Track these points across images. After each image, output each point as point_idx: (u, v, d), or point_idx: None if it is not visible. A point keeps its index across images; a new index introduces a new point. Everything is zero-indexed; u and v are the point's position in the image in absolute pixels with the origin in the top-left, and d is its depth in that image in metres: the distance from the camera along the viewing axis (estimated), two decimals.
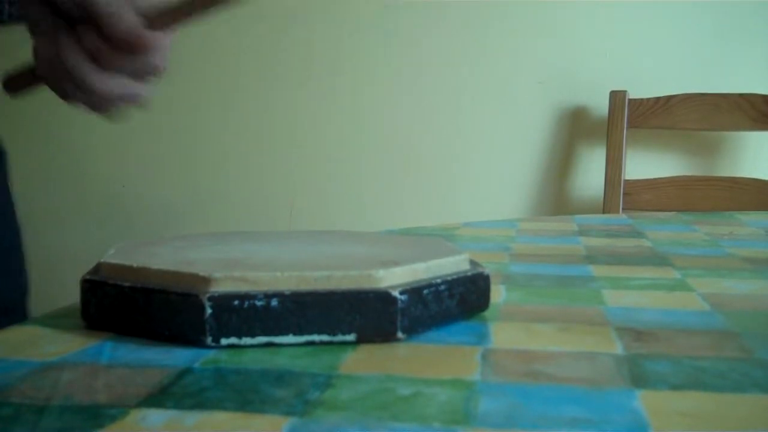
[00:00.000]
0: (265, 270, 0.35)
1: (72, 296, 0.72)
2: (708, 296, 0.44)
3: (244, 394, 0.29)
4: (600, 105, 1.55)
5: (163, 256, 0.40)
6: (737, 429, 0.25)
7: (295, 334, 0.34)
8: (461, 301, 0.38)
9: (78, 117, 1.55)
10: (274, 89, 1.70)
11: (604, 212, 1.48)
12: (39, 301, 0.75)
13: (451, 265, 0.39)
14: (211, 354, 0.33)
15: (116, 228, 1.78)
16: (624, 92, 1.50)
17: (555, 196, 1.62)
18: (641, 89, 1.51)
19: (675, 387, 0.29)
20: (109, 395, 0.29)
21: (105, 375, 0.31)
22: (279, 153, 1.69)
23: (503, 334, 0.37)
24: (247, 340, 0.34)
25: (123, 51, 0.49)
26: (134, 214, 1.77)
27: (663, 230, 0.74)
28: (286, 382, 0.30)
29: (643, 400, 0.28)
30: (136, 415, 0.26)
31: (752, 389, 0.29)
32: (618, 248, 0.63)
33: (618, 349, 0.34)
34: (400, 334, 0.35)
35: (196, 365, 0.32)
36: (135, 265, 0.37)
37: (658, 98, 1.49)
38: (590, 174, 1.60)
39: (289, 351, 0.34)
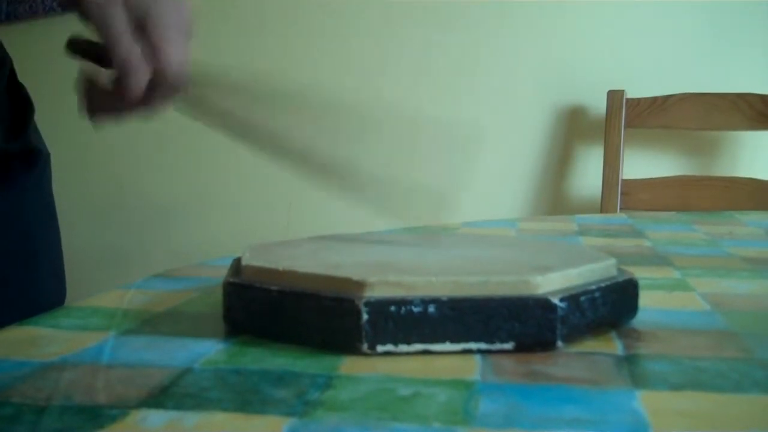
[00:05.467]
0: (415, 275, 0.34)
1: (71, 296, 0.72)
2: (708, 296, 0.44)
3: (244, 394, 0.28)
4: (597, 104, 1.55)
5: (304, 259, 0.38)
6: (737, 429, 0.25)
7: (452, 341, 0.33)
8: (613, 308, 0.36)
9: (74, 117, 1.55)
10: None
11: (601, 212, 1.48)
12: None
13: (601, 270, 0.37)
14: (211, 354, 0.33)
15: (114, 229, 1.78)
16: (621, 92, 1.50)
17: (552, 195, 1.62)
18: (639, 89, 1.51)
19: (675, 387, 0.29)
20: (109, 395, 0.28)
21: (105, 375, 0.31)
22: None
23: None
24: (403, 347, 0.33)
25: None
26: (133, 216, 1.77)
27: (663, 230, 0.74)
28: (286, 382, 0.30)
29: (643, 400, 0.28)
30: (136, 416, 0.26)
31: (752, 389, 0.29)
32: (618, 248, 0.63)
33: (618, 349, 0.34)
34: (559, 343, 0.33)
35: (196, 365, 0.32)
36: (281, 268, 0.36)
37: (655, 98, 1.49)
38: (587, 173, 1.60)
39: (289, 351, 0.34)
